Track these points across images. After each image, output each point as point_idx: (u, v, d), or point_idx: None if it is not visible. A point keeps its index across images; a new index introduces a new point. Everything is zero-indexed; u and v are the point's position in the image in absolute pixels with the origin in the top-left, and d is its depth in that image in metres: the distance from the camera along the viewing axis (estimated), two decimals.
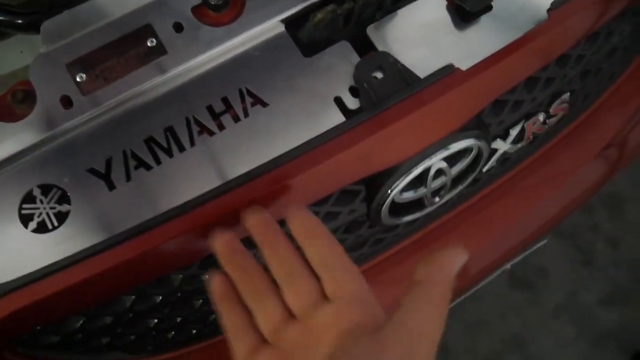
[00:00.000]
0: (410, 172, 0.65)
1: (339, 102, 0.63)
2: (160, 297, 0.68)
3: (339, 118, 0.62)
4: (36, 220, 0.58)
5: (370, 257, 0.86)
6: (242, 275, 0.48)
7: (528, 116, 0.78)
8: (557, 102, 0.80)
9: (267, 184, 0.58)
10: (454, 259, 0.43)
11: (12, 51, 0.68)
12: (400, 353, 0.39)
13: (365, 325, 0.42)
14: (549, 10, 0.68)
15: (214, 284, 0.49)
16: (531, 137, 0.81)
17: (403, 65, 0.64)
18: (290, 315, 0.45)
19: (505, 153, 0.79)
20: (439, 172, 0.69)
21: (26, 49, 0.68)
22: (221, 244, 0.50)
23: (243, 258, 0.49)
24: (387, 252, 0.87)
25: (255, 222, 0.50)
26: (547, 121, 0.81)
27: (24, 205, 0.58)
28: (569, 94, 0.83)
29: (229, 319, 0.47)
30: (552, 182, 0.98)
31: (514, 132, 0.78)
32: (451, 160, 0.69)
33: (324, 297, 0.45)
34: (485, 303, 1.76)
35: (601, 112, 1.02)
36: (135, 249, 0.56)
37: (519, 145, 0.81)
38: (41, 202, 0.58)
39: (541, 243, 1.13)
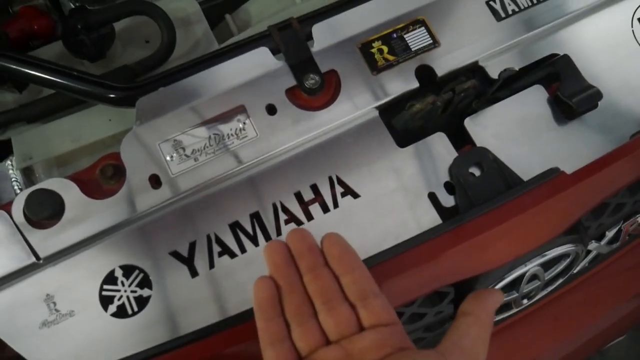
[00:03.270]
0: (504, 279, 0.61)
1: (433, 198, 0.60)
2: None
3: (433, 216, 0.59)
4: (116, 303, 0.56)
5: None
6: (289, 287, 0.47)
7: (626, 217, 0.73)
8: None
9: None
10: (494, 297, 0.51)
11: (100, 118, 0.68)
12: None
13: (406, 350, 0.44)
14: None
15: (260, 286, 0.47)
16: (627, 237, 0.76)
17: (502, 163, 0.61)
18: (327, 339, 0.46)
19: (599, 254, 0.74)
20: (533, 277, 0.64)
21: (114, 117, 0.68)
22: (276, 252, 0.48)
23: (293, 271, 0.48)
24: None
25: (301, 246, 0.49)
26: None
27: (105, 287, 0.57)
28: None
29: (268, 326, 0.46)
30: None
31: (610, 234, 0.73)
32: (546, 264, 0.65)
33: (360, 325, 0.46)
34: None
35: None
36: (219, 347, 0.53)
37: (614, 245, 0.75)
38: (122, 284, 0.57)
39: (619, 338, 1.06)
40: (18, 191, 0.66)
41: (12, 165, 0.67)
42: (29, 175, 0.67)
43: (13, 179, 0.66)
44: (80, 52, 0.68)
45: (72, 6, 0.81)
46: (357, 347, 0.44)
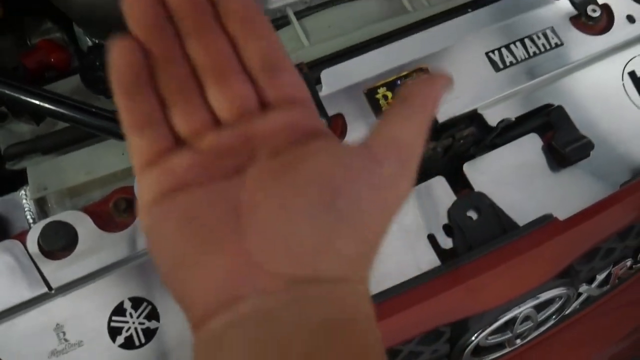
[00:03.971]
0: (499, 319, 0.64)
1: (432, 240, 0.62)
2: None
3: (432, 258, 0.61)
4: (124, 334, 0.58)
5: None
6: (164, 53, 0.32)
7: (616, 262, 0.76)
8: None
9: None
10: (440, 81, 0.36)
11: (114, 152, 0.70)
12: (393, 166, 0.32)
13: (326, 135, 0.33)
14: None
15: (121, 50, 0.31)
16: (617, 281, 0.78)
17: (499, 208, 0.64)
18: (218, 121, 0.33)
19: (589, 296, 0.77)
20: (526, 318, 0.67)
21: (127, 152, 0.70)
22: (144, 4, 0.31)
23: (170, 33, 0.32)
24: None
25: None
26: (633, 266, 0.78)
27: (114, 318, 0.59)
28: None
29: (135, 107, 0.32)
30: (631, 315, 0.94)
31: (600, 277, 0.75)
32: (539, 306, 0.67)
33: (263, 104, 0.34)
34: None
35: None
36: None
37: (604, 288, 0.78)
38: (131, 315, 0.59)
39: None
40: (31, 220, 0.68)
41: (26, 195, 0.69)
42: (41, 205, 0.69)
43: (26, 209, 0.68)
44: (97, 88, 0.71)
45: (90, 42, 0.85)
46: (258, 130, 0.32)
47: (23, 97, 0.65)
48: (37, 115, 0.71)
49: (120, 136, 0.65)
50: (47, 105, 0.65)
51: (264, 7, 0.88)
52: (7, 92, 0.65)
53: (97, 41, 0.83)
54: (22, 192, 0.69)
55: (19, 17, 0.81)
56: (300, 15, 0.85)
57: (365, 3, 0.84)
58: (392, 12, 0.83)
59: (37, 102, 0.65)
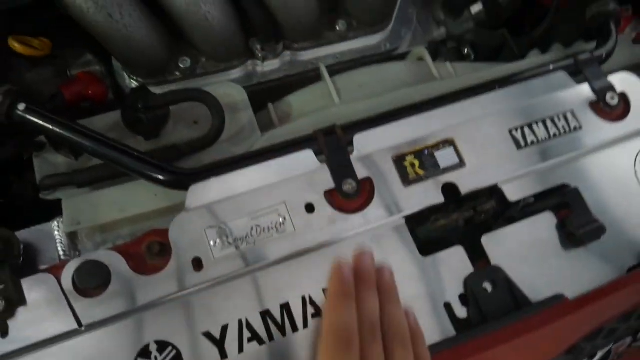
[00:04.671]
0: None
1: (448, 308, 0.65)
2: None
3: (447, 327, 0.64)
4: None
5: None
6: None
7: (617, 340, 0.79)
8: None
9: None
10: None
11: (147, 192, 0.73)
12: None
13: None
14: None
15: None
16: (616, 356, 0.82)
17: (513, 283, 0.67)
18: None
19: None
20: None
21: (160, 193, 0.73)
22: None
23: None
24: None
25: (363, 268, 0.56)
26: (632, 344, 0.82)
27: (139, 359, 0.61)
28: None
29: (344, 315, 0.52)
30: None
31: (601, 353, 0.79)
32: None
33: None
34: None
35: None
36: None
37: None
38: (156, 358, 0.61)
39: None
40: (61, 253, 0.70)
41: (58, 227, 0.71)
42: (72, 239, 0.71)
43: (58, 241, 0.70)
44: (137, 129, 0.74)
45: (127, 76, 0.88)
46: None
47: (67, 134, 0.68)
48: (77, 150, 0.73)
49: (156, 180, 0.68)
50: (89, 144, 0.68)
51: (296, 59, 0.92)
52: (52, 128, 0.68)
53: (136, 78, 0.86)
54: (55, 223, 0.72)
55: (62, 49, 0.84)
56: (330, 69, 0.89)
57: (395, 66, 0.88)
58: (420, 77, 0.87)
59: (80, 140, 0.68)
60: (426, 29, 0.99)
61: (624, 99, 0.79)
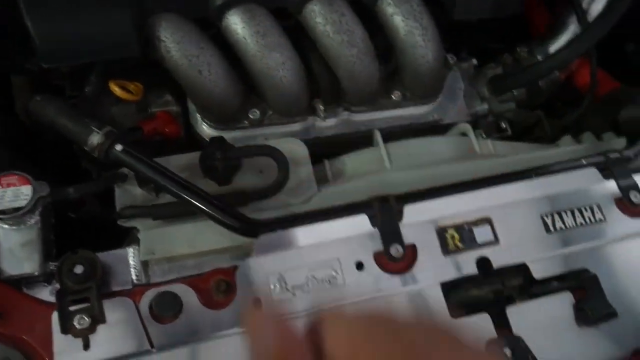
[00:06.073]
0: None
1: None
2: None
3: None
4: None
5: None
6: None
7: None
8: None
9: None
10: None
11: (215, 231, 0.82)
12: None
13: None
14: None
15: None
16: None
17: (532, 353, 0.76)
18: None
19: None
20: None
21: (225, 233, 0.82)
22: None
23: None
24: None
25: None
26: None
27: None
28: None
29: None
30: None
31: None
32: None
33: None
34: None
35: None
36: None
37: None
38: None
39: None
40: (134, 277, 0.78)
41: (133, 254, 0.80)
42: (145, 266, 0.80)
43: (132, 266, 0.79)
44: (211, 175, 0.83)
45: (200, 120, 0.97)
46: None
47: (155, 176, 0.77)
48: (160, 189, 0.82)
49: (228, 225, 0.77)
50: (174, 188, 0.77)
51: (351, 119, 1.02)
52: (142, 168, 0.77)
53: (208, 122, 0.96)
54: (131, 250, 0.80)
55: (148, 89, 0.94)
56: (382, 132, 0.98)
57: (442, 139, 0.98)
58: (463, 151, 0.96)
59: (167, 183, 0.77)
60: (470, 104, 1.09)
61: None
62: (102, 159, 0.77)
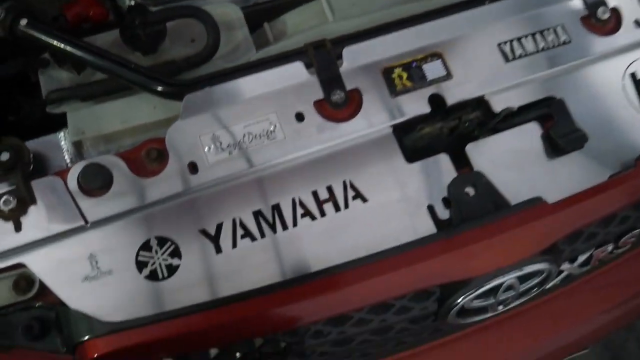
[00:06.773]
0: (485, 285, 0.70)
1: (431, 210, 0.69)
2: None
3: (430, 226, 0.68)
4: (149, 268, 0.65)
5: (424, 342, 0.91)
6: None
7: (598, 245, 0.82)
8: (628, 236, 0.84)
9: (358, 278, 0.64)
10: None
11: (147, 105, 0.76)
12: None
13: None
14: (637, 160, 0.73)
15: None
16: (597, 263, 0.85)
17: (494, 187, 0.70)
18: None
19: (570, 274, 0.84)
20: (509, 287, 0.74)
21: (159, 106, 0.76)
22: None
23: None
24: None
25: None
26: (614, 251, 0.85)
27: (141, 253, 0.66)
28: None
29: None
30: (606, 297, 1.01)
31: (582, 258, 0.82)
32: (522, 277, 0.74)
33: None
34: None
35: None
36: (234, 314, 0.63)
37: (584, 268, 0.85)
38: (156, 252, 0.66)
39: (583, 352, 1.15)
40: (68, 161, 0.74)
41: (65, 137, 0.75)
42: (78, 148, 0.75)
43: (64, 149, 0.75)
44: (135, 45, 0.77)
45: (128, 1, 0.90)
46: None
47: (70, 49, 0.71)
48: (79, 65, 0.77)
49: (153, 90, 0.71)
50: (90, 58, 0.71)
51: None
52: (55, 43, 0.71)
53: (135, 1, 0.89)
54: (62, 134, 0.76)
55: None
56: None
57: None
58: None
59: (82, 54, 0.71)
60: None
61: (615, 13, 0.80)
62: (6, 37, 0.71)
